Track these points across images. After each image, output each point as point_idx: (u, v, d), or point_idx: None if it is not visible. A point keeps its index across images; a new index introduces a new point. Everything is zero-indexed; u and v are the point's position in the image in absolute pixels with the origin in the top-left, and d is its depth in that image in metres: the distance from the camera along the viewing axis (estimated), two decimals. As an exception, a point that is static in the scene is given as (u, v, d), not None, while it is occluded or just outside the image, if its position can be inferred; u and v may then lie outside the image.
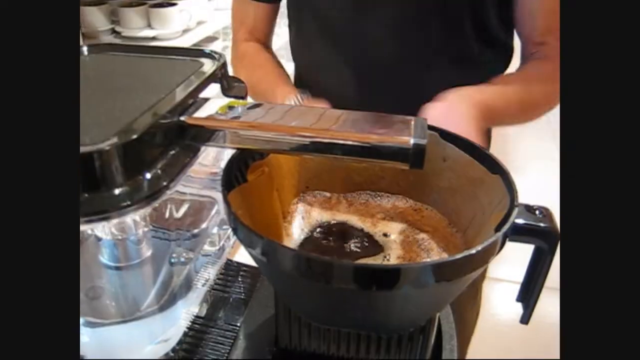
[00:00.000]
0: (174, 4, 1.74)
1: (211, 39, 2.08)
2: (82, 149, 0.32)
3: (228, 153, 0.43)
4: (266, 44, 0.93)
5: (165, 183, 0.35)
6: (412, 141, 0.35)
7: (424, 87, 0.62)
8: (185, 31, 1.80)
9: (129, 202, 0.34)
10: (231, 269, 0.55)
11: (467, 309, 1.11)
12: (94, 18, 1.71)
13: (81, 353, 0.41)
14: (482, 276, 1.11)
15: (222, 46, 2.15)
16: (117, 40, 1.75)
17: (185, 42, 1.80)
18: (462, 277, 0.33)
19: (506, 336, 1.60)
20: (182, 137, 0.38)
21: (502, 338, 1.60)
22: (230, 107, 0.40)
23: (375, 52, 0.79)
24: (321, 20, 0.83)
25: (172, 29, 1.73)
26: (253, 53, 0.90)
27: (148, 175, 0.35)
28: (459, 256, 0.32)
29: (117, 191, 0.34)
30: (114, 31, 1.79)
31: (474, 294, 1.10)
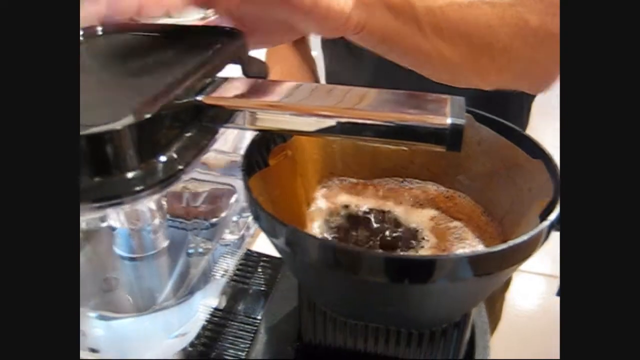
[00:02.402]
0: (192, -8, 1.73)
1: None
2: (93, 130, 0.30)
3: (247, 139, 0.41)
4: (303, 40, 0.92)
5: (181, 167, 0.33)
6: (449, 121, 0.32)
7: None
8: (202, 19, 1.78)
9: (142, 187, 0.31)
10: (251, 259, 0.53)
11: (495, 303, 1.07)
12: (112, 6, 1.70)
13: (95, 347, 0.39)
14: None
15: (241, 34, 2.14)
16: (135, 29, 1.74)
17: (203, 30, 1.79)
18: (505, 270, 0.30)
19: (524, 327, 1.57)
20: (198, 118, 0.36)
21: (520, 329, 1.57)
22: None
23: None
24: None
25: (191, 16, 1.72)
26: (285, 50, 0.88)
27: (163, 158, 0.32)
28: (502, 247, 0.29)
29: (129, 175, 0.31)
30: (131, 19, 1.78)
31: (503, 287, 1.06)
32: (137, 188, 0.31)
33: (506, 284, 1.09)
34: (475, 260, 0.29)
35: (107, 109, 0.32)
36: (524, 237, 0.29)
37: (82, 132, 0.30)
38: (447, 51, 0.50)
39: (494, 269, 0.30)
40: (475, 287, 0.33)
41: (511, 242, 0.29)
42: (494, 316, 1.10)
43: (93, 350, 0.39)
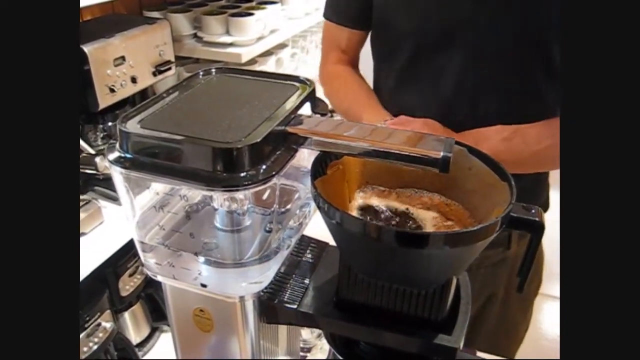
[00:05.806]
0: (251, 14, 1.94)
1: (281, 45, 2.27)
2: (226, 146, 0.50)
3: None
4: (355, 65, 1.06)
5: (274, 172, 0.52)
6: (441, 154, 0.51)
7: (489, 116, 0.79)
8: (259, 39, 1.99)
9: (250, 182, 0.51)
10: (304, 240, 0.72)
11: (517, 322, 1.19)
12: (180, 24, 1.94)
13: (205, 282, 0.60)
14: (535, 293, 1.19)
15: (291, 53, 2.34)
16: (199, 45, 1.97)
17: (259, 48, 2.00)
18: (468, 245, 0.49)
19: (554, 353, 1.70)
20: (285, 141, 0.56)
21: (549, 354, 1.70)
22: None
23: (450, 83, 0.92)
24: (401, 53, 0.95)
25: (248, 36, 1.93)
26: (345, 76, 1.01)
27: (264, 166, 0.52)
28: (466, 230, 0.48)
29: (243, 174, 0.51)
30: (195, 36, 2.00)
31: (524, 308, 1.18)
32: (247, 183, 0.51)
33: (527, 309, 1.20)
34: (450, 236, 0.48)
35: (231, 133, 0.52)
36: (479, 226, 0.48)
37: (219, 147, 0.51)
38: None
39: (462, 243, 0.49)
40: (453, 257, 0.52)
41: (471, 228, 0.48)
42: (517, 337, 1.21)
43: (203, 285, 0.60)
